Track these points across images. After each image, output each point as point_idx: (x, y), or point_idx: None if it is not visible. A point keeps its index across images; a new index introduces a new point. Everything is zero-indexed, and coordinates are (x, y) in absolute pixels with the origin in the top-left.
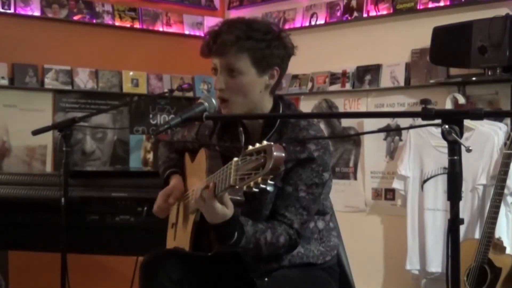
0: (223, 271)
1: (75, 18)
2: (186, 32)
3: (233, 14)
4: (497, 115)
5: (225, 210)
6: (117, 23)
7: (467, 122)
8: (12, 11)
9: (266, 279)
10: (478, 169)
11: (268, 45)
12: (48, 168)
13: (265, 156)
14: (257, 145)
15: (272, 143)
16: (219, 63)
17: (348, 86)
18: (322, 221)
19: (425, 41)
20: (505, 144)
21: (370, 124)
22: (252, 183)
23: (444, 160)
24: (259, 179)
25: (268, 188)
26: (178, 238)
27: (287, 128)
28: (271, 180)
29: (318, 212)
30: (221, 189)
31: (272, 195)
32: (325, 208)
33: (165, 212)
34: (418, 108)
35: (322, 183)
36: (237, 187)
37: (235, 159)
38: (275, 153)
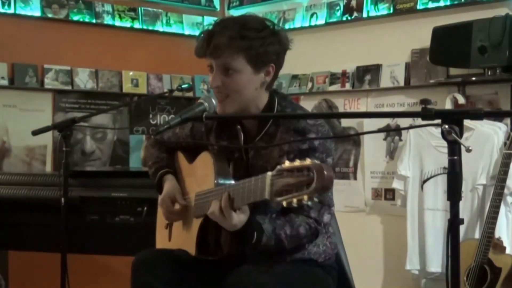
0: (214, 271)
1: (75, 18)
2: (186, 32)
3: (233, 14)
4: (497, 115)
5: (241, 216)
6: (117, 23)
7: (467, 122)
8: (12, 11)
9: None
10: (478, 169)
11: (263, 43)
12: (48, 168)
13: (311, 174)
14: (297, 161)
15: (321, 163)
16: (214, 63)
17: (348, 86)
18: (328, 214)
19: (425, 41)
20: (505, 144)
21: (370, 124)
22: (295, 200)
23: (444, 160)
24: (305, 197)
25: (309, 203)
26: (177, 240)
27: (284, 120)
28: (316, 198)
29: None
30: (245, 202)
31: None
32: (330, 200)
33: (180, 215)
34: (418, 108)
35: None
36: (272, 201)
37: (269, 173)
38: (326, 172)
